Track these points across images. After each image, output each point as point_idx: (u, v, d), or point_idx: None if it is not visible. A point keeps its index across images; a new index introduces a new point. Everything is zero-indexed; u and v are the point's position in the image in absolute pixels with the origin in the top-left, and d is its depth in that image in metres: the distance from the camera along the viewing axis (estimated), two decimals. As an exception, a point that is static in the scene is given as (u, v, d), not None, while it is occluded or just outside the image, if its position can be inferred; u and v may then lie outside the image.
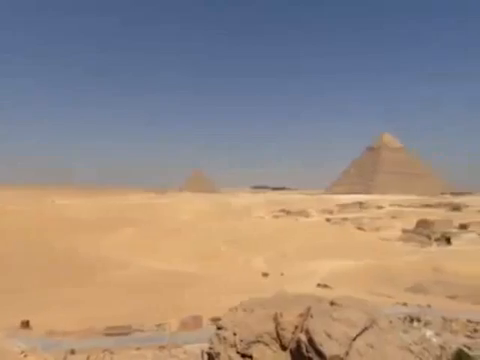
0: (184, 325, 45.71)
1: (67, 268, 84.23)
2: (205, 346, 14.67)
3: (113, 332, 42.52)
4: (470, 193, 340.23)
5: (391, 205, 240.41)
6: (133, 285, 72.42)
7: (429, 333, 36.64)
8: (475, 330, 39.33)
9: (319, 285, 74.44)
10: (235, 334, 12.68)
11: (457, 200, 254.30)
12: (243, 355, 12.26)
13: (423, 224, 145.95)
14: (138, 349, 37.87)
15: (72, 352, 36.73)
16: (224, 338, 12.90)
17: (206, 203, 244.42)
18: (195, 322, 46.34)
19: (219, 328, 13.84)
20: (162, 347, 38.56)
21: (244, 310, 13.89)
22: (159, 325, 46.59)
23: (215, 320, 37.50)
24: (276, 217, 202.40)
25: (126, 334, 42.87)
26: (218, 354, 12.73)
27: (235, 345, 12.48)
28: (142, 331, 44.61)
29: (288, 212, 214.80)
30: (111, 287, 70.57)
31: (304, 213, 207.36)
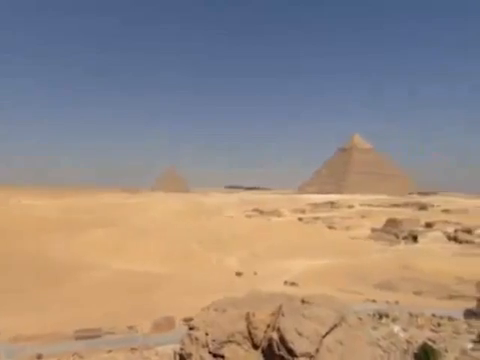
0: (156, 326, 45.18)
1: (33, 270, 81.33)
2: (177, 347, 14.54)
3: (83, 335, 41.53)
4: (435, 193, 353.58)
5: (361, 205, 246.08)
6: (104, 287, 70.85)
7: (397, 328, 37.80)
8: (439, 324, 40.88)
9: (286, 283, 75.47)
10: (207, 334, 12.62)
11: (424, 200, 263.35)
12: (215, 355, 12.22)
13: (391, 223, 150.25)
14: (109, 352, 37.15)
15: (39, 357, 35.57)
16: (196, 338, 12.81)
17: (179, 203, 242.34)
18: (168, 323, 45.92)
19: (191, 328, 13.73)
20: (134, 349, 37.99)
21: (216, 310, 13.85)
22: (131, 327, 45.86)
23: (188, 320, 37.24)
24: (249, 217, 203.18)
25: (97, 337, 41.99)
26: (190, 355, 12.64)
27: (207, 345, 12.42)
28: (113, 333, 43.78)
29: (261, 212, 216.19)
30: (81, 289, 68.79)
31: (277, 213, 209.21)
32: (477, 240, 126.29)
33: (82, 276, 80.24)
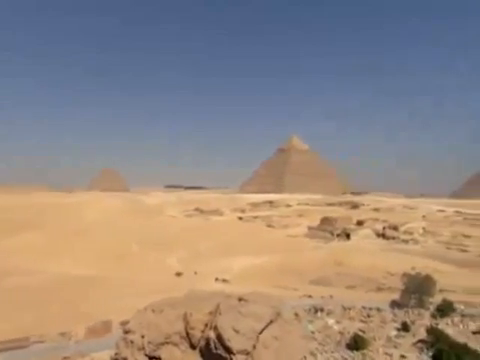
0: (92, 332, 42.90)
1: None
2: (113, 352, 13.90)
3: (6, 347, 38.19)
4: (366, 193, 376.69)
5: (298, 204, 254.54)
6: (34, 292, 65.83)
7: (331, 321, 39.54)
8: (368, 315, 43.41)
9: (217, 280, 76.04)
10: (143, 336, 12.18)
11: (356, 199, 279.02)
12: (151, 357, 11.83)
13: (326, 221, 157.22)
14: (36, 362, 34.59)
15: None
16: (131, 341, 12.32)
17: (116, 202, 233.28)
18: (104, 327, 43.82)
19: (126, 332, 13.20)
20: (66, 358, 35.71)
21: (153, 311, 13.44)
22: (63, 334, 43.08)
23: (125, 324, 35.90)
24: (189, 216, 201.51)
25: (23, 347, 38.87)
26: (125, 359, 12.11)
27: (143, 348, 12.00)
28: (42, 342, 40.85)
29: (201, 211, 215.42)
30: (7, 296, 63.37)
31: (217, 212, 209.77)
32: (402, 236, 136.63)
33: (9, 281, 74.05)
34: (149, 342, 11.98)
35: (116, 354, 12.87)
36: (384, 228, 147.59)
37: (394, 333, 35.34)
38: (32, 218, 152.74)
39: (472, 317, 41.82)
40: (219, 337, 10.71)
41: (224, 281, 74.94)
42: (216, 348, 10.61)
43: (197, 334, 11.99)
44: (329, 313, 44.42)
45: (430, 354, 26.69)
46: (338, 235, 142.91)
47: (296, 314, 41.27)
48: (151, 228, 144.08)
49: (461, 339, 30.66)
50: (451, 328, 37.21)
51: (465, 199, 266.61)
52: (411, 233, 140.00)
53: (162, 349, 11.92)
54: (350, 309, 46.68)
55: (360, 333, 33.46)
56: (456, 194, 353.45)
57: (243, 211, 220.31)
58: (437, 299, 50.08)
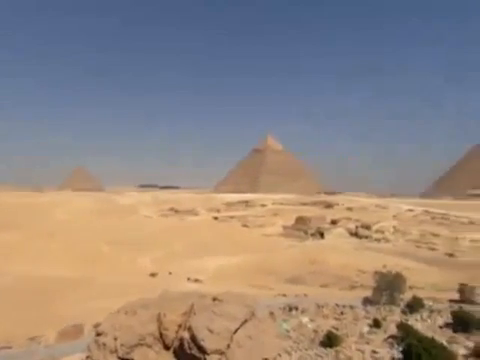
0: (63, 335, 41.65)
1: None
2: (85, 356, 13.56)
3: (-30, 352, 36.61)
4: (340, 193, 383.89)
5: (273, 203, 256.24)
6: (0, 295, 63.53)
7: (305, 320, 39.97)
8: (342, 313, 44.20)
9: (190, 279, 75.85)
10: (116, 339, 11.93)
11: (330, 199, 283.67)
12: (124, 360, 11.61)
13: (301, 221, 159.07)
14: (3, 368, 33.32)
15: None
16: (103, 344, 12.04)
17: (88, 202, 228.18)
18: (75, 331, 42.65)
19: (98, 334, 12.90)
20: (34, 362, 34.58)
21: (126, 313, 13.19)
22: (32, 338, 41.67)
23: (98, 326, 35.09)
24: (164, 216, 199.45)
25: (-13, 353, 37.35)
26: (97, 362, 11.83)
27: (116, 350, 11.75)
28: (10, 348, 39.37)
29: (176, 211, 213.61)
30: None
31: (192, 212, 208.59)
32: (374, 235, 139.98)
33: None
34: (122, 344, 11.74)
35: (88, 357, 12.58)
36: (357, 227, 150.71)
37: (366, 329, 36.13)
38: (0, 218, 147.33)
39: (439, 312, 43.35)
40: (193, 337, 10.65)
41: (199, 281, 74.67)
42: (190, 348, 10.54)
43: (171, 335, 11.87)
44: (303, 311, 44.92)
45: (400, 349, 27.44)
46: (312, 234, 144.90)
47: (271, 313, 41.53)
48: (125, 228, 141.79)
49: (429, 333, 31.70)
50: (420, 323, 38.42)
51: (433, 199, 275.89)
52: (382, 232, 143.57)
53: (135, 351, 11.72)
54: (324, 307, 47.39)
55: (333, 330, 34.00)
56: (425, 194, 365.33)
57: (218, 211, 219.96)
58: (407, 296, 51.61)
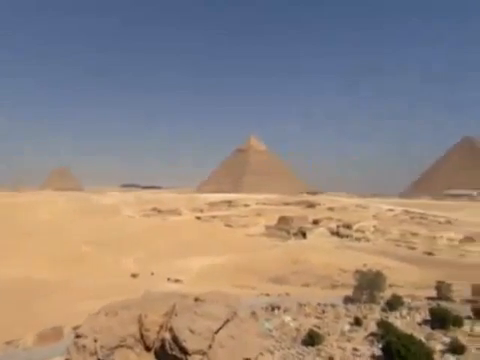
0: (42, 338, 40.68)
1: None
2: (64, 358, 13.29)
3: None
4: (322, 192, 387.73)
5: (257, 203, 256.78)
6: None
7: (287, 319, 40.26)
8: (323, 311, 44.67)
9: (171, 280, 75.50)
10: (96, 341, 11.74)
11: (312, 199, 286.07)
12: (104, 362, 11.44)
13: (283, 220, 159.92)
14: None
15: None
16: (83, 346, 11.83)
17: (69, 202, 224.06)
18: (55, 334, 41.72)
19: (78, 336, 12.67)
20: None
21: (106, 314, 13.00)
22: (9, 342, 40.54)
23: (77, 328, 34.41)
24: (147, 216, 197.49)
25: (-38, 357, 36.24)
26: (76, 364, 11.62)
27: (95, 353, 11.57)
28: (-15, 351, 38.29)
29: (159, 211, 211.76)
30: None
31: (175, 212, 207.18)
32: (355, 234, 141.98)
33: None
34: (102, 346, 11.56)
35: (67, 360, 12.33)
36: (338, 227, 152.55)
37: (347, 327, 36.64)
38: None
39: (418, 309, 44.35)
40: (174, 338, 10.58)
41: (180, 282, 74.22)
42: (171, 349, 10.47)
43: (152, 336, 11.76)
44: (286, 310, 45.23)
45: (380, 346, 27.94)
46: (295, 234, 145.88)
47: (253, 313, 41.65)
48: (106, 229, 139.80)
49: (408, 330, 32.39)
50: (399, 320, 39.21)
51: (413, 199, 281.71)
52: (363, 231, 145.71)
53: (116, 353, 11.56)
54: (306, 306, 47.82)
55: (315, 329, 34.35)
56: (404, 194, 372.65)
57: (201, 211, 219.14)
58: (387, 294, 52.58)
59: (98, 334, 12.01)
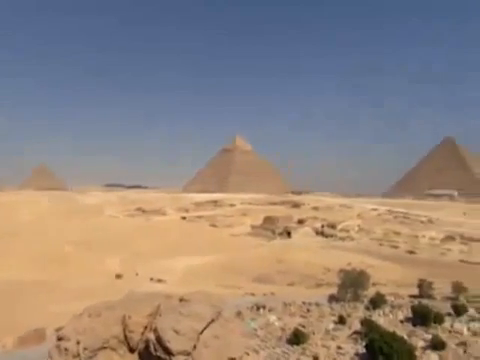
0: (23, 341, 39.81)
1: None
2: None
3: None
4: (308, 192, 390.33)
5: (242, 203, 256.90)
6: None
7: (272, 318, 40.41)
8: (308, 310, 45.02)
9: (154, 280, 75.07)
10: (78, 343, 11.56)
11: (297, 198, 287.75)
12: (87, 364, 11.27)
13: (269, 220, 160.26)
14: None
15: None
16: (65, 349, 11.62)
17: (51, 202, 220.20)
18: (37, 336, 40.88)
19: (60, 338, 12.46)
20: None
21: (90, 315, 12.81)
22: (-12, 345, 39.67)
23: (60, 330, 33.78)
24: (131, 216, 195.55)
25: None
26: (58, 367, 11.42)
27: (78, 355, 11.38)
28: (-36, 354, 37.30)
29: (144, 211, 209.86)
30: None
31: (160, 212, 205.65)
32: (339, 234, 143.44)
33: None
34: (85, 348, 11.39)
35: (49, 362, 12.09)
36: (323, 226, 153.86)
37: (332, 326, 37.01)
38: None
39: (400, 307, 45.15)
40: (159, 339, 10.49)
41: (165, 282, 73.70)
42: (156, 350, 10.38)
43: (136, 337, 11.64)
44: (271, 310, 45.42)
45: (364, 344, 28.31)
46: (280, 233, 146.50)
47: (239, 312, 41.69)
48: (90, 229, 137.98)
49: (391, 328, 32.90)
50: (382, 318, 39.82)
51: (396, 199, 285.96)
52: (347, 231, 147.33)
53: (99, 355, 11.41)
54: (291, 305, 48.12)
55: (300, 328, 34.58)
56: (387, 194, 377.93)
57: (187, 211, 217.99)
58: (371, 292, 53.38)
59: (81, 336, 11.83)
